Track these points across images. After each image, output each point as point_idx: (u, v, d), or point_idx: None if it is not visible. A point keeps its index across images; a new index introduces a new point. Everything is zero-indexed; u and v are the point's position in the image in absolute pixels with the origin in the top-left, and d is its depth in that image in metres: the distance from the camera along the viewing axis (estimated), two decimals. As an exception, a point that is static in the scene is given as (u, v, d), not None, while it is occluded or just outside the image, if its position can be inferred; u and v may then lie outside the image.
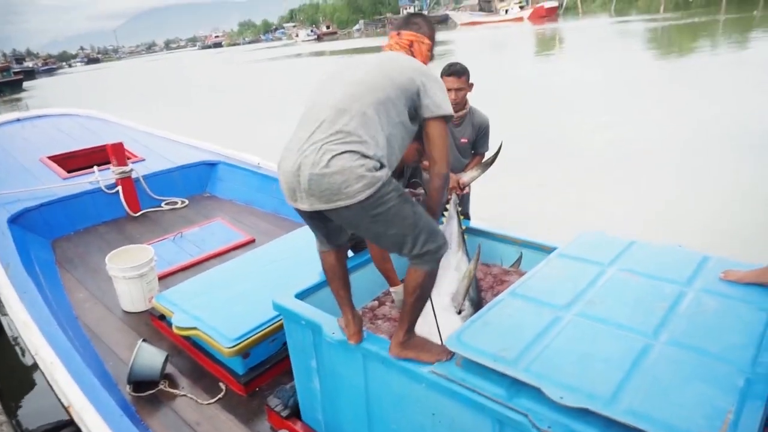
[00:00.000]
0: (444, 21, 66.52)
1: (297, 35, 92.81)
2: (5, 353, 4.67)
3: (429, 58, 2.04)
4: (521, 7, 59.96)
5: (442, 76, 2.96)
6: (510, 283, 2.47)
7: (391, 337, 1.85)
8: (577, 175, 7.31)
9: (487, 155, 3.13)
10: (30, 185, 4.98)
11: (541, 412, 1.43)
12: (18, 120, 6.98)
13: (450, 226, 2.52)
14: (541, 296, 1.89)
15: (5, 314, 4.54)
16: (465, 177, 2.82)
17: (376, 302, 2.58)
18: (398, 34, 2.03)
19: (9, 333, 4.79)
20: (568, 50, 25.76)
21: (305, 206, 1.72)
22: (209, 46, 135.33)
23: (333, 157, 1.63)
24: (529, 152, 8.25)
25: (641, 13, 42.29)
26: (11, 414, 3.63)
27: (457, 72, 2.92)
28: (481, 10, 67.94)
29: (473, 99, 3.16)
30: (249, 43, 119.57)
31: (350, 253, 2.63)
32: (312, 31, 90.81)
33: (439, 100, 1.82)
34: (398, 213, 1.68)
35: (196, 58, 78.16)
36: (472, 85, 3.03)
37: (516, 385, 1.53)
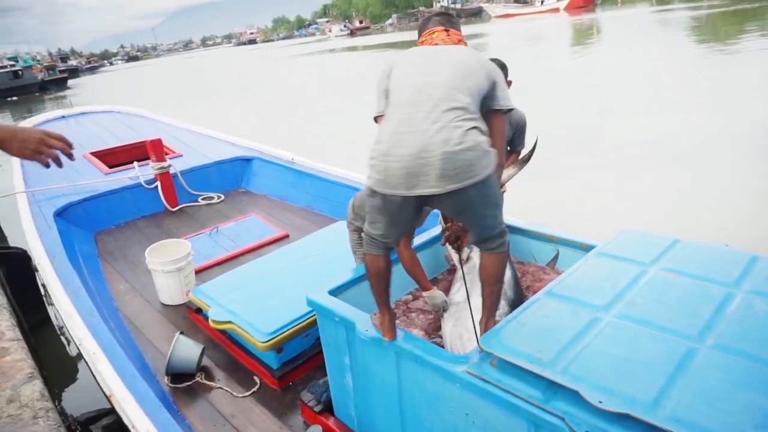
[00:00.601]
0: (478, 14, 65.74)
1: (330, 30, 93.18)
2: (51, 342, 4.85)
3: None
4: (557, -2, 58.66)
5: None
6: (546, 282, 2.43)
7: (486, 325, 1.95)
8: (614, 171, 7.11)
9: (523, 152, 3.07)
10: (74, 180, 5.15)
11: (578, 415, 1.40)
12: (63, 117, 7.24)
13: None
14: (578, 296, 1.84)
15: (51, 304, 4.72)
16: (503, 175, 2.77)
17: (410, 296, 2.57)
18: (447, 30, 2.04)
19: (55, 322, 4.98)
20: (605, 41, 25.06)
21: (434, 189, 1.63)
22: (244, 43, 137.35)
23: (465, 132, 1.63)
24: (562, 148, 8.07)
25: (684, 1, 40.77)
26: (56, 400, 3.78)
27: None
28: (515, 1, 66.80)
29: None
30: (283, 39, 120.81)
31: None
32: (345, 26, 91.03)
33: (507, 95, 1.92)
34: (496, 189, 1.77)
35: (232, 54, 79.45)
36: (510, 82, 2.97)
37: (552, 387, 1.49)
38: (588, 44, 24.40)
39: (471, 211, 1.77)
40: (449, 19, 2.10)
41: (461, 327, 2.08)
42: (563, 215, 5.59)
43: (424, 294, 2.29)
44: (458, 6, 72.55)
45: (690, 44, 19.00)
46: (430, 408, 1.86)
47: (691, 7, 34.21)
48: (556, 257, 2.64)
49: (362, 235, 2.24)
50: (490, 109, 1.86)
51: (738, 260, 1.92)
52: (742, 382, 1.34)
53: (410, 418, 1.98)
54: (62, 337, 4.84)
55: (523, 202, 4.02)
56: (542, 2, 60.37)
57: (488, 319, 1.94)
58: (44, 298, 5.05)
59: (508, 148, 3.17)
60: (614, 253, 2.12)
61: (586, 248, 2.41)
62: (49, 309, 5.02)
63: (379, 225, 1.82)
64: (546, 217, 3.55)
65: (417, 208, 1.77)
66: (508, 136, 3.10)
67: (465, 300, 2.18)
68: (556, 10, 55.05)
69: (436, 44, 1.99)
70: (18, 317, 4.17)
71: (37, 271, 4.58)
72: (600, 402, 1.35)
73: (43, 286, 4.84)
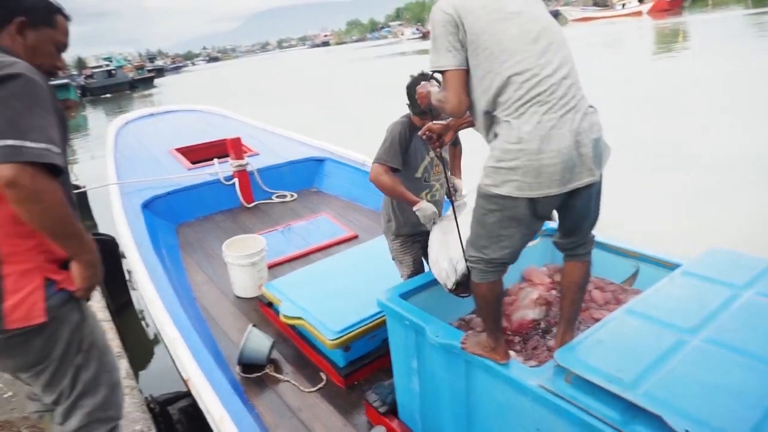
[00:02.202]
0: (554, 17, 63.94)
1: (402, 33, 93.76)
2: (133, 324, 5.17)
3: None
4: (641, 1, 55.99)
5: None
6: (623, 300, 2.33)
7: (563, 337, 1.88)
8: (697, 185, 6.69)
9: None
10: (160, 175, 5.48)
11: (661, 442, 1.33)
12: (151, 115, 7.74)
13: None
14: (662, 316, 1.75)
15: (134, 289, 5.04)
16: None
17: (474, 315, 2.52)
18: None
19: (137, 306, 5.31)
20: (692, 48, 23.64)
21: (589, 178, 1.60)
22: (318, 45, 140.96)
23: (598, 118, 1.63)
24: (641, 160, 7.71)
25: (784, 4, 37.79)
26: (137, 380, 4.03)
27: None
28: (595, 5, 64.46)
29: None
30: (355, 41, 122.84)
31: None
32: (417, 29, 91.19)
33: None
34: None
35: (306, 56, 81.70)
36: None
37: (632, 409, 1.43)
38: (673, 50, 23.11)
39: (595, 202, 1.74)
40: None
41: (443, 256, 2.14)
42: (641, 228, 5.33)
43: (414, 208, 2.37)
44: (534, 9, 70.77)
45: (789, 51, 17.58)
46: (499, 419, 1.83)
47: (792, 10, 31.65)
48: (635, 274, 2.52)
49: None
50: None
51: None
52: None
53: (477, 428, 1.95)
54: (143, 321, 5.16)
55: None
56: (623, 5, 57.87)
57: (566, 331, 1.88)
58: (128, 283, 5.40)
59: None
60: (702, 273, 2.00)
61: (670, 266, 2.29)
62: (132, 294, 5.36)
63: (509, 242, 1.67)
64: (622, 231, 3.38)
65: (551, 208, 1.71)
66: None
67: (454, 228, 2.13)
68: (639, 13, 52.60)
69: None
70: (106, 299, 4.49)
71: (123, 257, 4.91)
72: (686, 430, 1.28)
73: (128, 271, 5.17)
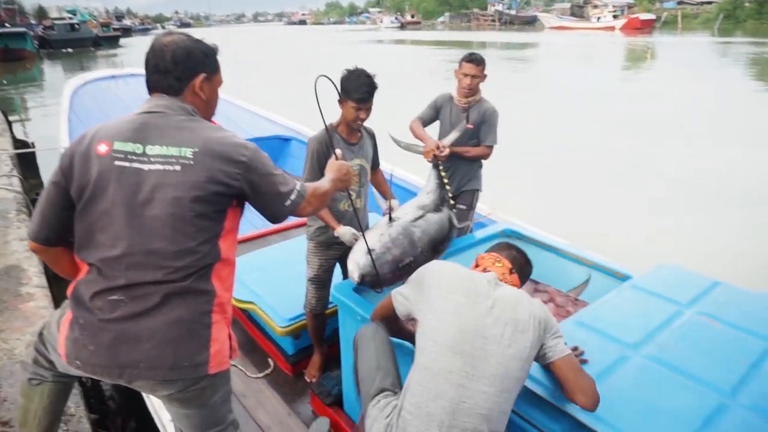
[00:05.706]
0: (532, 22, 64.98)
1: (381, 21, 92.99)
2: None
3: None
4: (615, 17, 57.28)
5: (461, 62, 3.16)
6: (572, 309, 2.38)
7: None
8: (654, 202, 6.93)
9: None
10: None
11: (595, 455, 1.36)
12: (113, 77, 7.39)
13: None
14: (608, 329, 1.80)
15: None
16: (445, 140, 2.92)
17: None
18: (511, 271, 1.71)
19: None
20: (659, 68, 24.38)
21: None
22: (295, 23, 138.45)
23: None
24: (601, 173, 7.94)
25: (748, 36, 39.40)
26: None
27: (476, 60, 3.12)
28: (572, 15, 65.56)
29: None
30: (333, 23, 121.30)
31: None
32: (396, 18, 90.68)
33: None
34: None
35: (282, 32, 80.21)
36: (485, 75, 3.18)
37: (570, 422, 1.46)
38: (640, 69, 23.78)
39: None
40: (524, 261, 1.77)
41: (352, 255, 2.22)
42: (594, 239, 5.47)
43: (335, 233, 2.47)
44: (513, 12, 71.52)
45: (748, 82, 18.34)
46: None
47: (755, 43, 32.99)
48: (586, 282, 2.58)
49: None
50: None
51: (783, 315, 1.85)
52: (774, 448, 1.29)
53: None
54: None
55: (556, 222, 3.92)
56: (598, 19, 59.04)
57: None
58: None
59: (475, 141, 3.27)
60: (650, 288, 2.06)
61: (621, 277, 2.35)
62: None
63: None
64: (583, 239, 3.42)
65: None
66: (477, 123, 3.21)
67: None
68: (612, 28, 53.76)
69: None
70: (45, 264, 4.29)
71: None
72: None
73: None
